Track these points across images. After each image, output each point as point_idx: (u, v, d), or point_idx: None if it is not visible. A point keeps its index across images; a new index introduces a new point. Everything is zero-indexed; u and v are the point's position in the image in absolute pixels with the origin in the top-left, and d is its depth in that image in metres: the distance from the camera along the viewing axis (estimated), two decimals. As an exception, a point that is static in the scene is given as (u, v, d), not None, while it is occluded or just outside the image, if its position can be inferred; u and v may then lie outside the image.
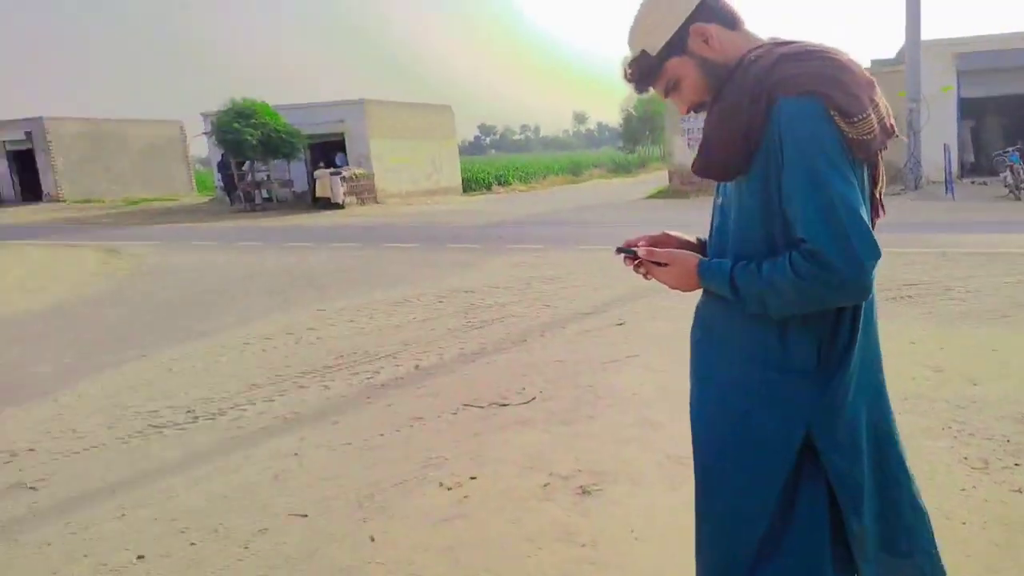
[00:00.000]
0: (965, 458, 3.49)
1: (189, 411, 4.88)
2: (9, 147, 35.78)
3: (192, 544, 3.15)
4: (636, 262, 1.69)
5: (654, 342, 5.83)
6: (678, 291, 1.70)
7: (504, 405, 4.65)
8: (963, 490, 3.19)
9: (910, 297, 6.88)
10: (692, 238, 1.80)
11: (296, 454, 4.05)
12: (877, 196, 1.65)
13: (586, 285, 8.51)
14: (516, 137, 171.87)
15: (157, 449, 4.28)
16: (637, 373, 5.13)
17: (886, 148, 1.55)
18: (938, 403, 4.19)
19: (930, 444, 3.65)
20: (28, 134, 34.86)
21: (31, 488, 3.84)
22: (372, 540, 3.08)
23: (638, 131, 61.72)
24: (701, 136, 1.63)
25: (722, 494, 1.66)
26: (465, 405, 4.67)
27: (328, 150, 25.55)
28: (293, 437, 4.31)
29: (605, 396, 4.70)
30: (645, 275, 1.71)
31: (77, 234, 19.04)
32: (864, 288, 1.45)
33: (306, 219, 20.59)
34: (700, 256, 1.64)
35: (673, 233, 1.79)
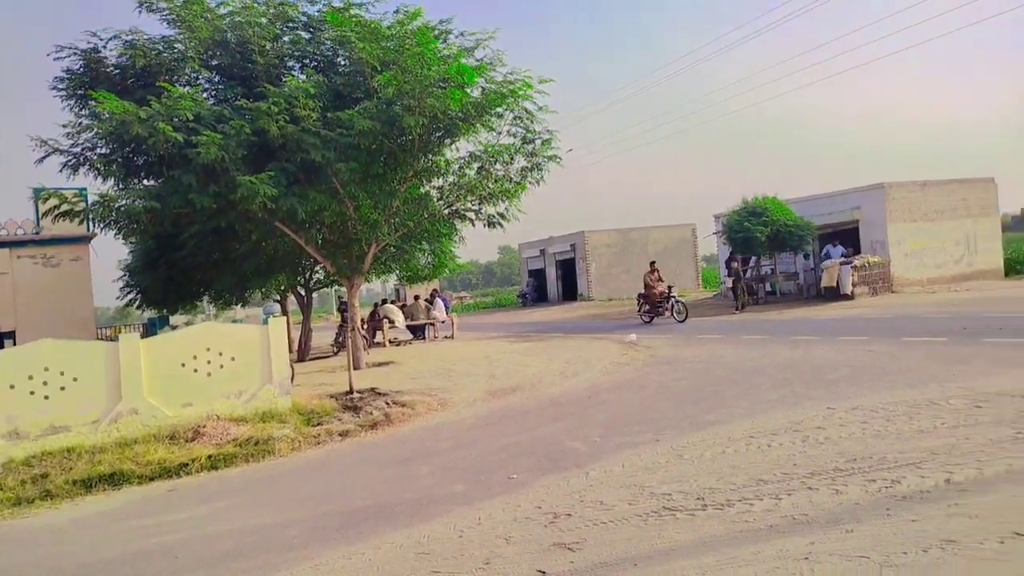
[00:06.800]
0: None
1: (699, 498, 5.08)
2: (558, 257, 44.12)
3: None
4: None
5: None
6: None
7: (1079, 543, 3.66)
8: None
9: None
10: None
11: (806, 559, 3.85)
12: None
13: None
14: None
15: (671, 531, 4.55)
16: None
17: None
18: None
19: None
20: (572, 246, 42.37)
21: (569, 548, 4.46)
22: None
23: None
24: None
25: None
26: (1017, 534, 3.83)
27: (838, 239, 24.45)
28: (803, 540, 4.11)
29: None
30: None
31: (602, 329, 21.97)
32: None
33: (811, 311, 19.91)
34: None
35: None
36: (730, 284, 22.03)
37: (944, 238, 24.58)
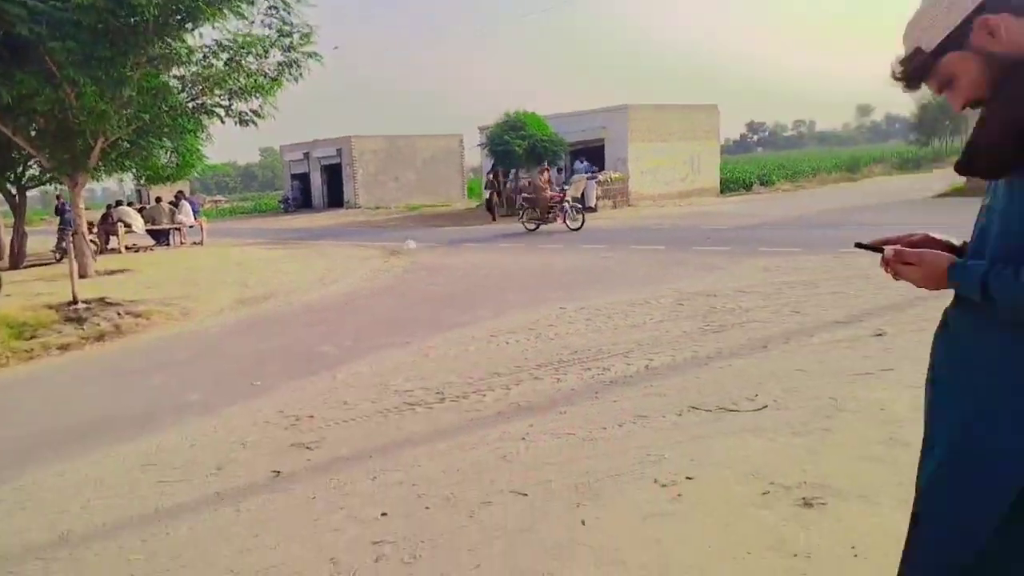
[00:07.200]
0: None
1: (438, 393, 5.39)
2: (323, 162, 42.31)
3: (427, 508, 3.51)
4: (884, 260, 1.64)
5: (917, 356, 5.19)
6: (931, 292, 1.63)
7: (733, 411, 4.48)
8: None
9: None
10: (959, 242, 1.67)
11: (524, 438, 4.30)
12: None
13: (844, 292, 7.82)
14: (788, 134, 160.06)
15: (409, 423, 4.80)
16: (890, 388, 4.63)
17: None
18: None
19: None
20: (338, 151, 40.77)
21: (307, 447, 4.53)
22: (583, 524, 3.19)
23: (936, 122, 53.86)
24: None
25: (948, 504, 1.58)
26: (691, 408, 4.59)
27: (587, 156, 26.24)
28: (523, 423, 4.57)
29: (848, 410, 4.32)
30: (894, 275, 1.64)
31: (367, 235, 21.78)
32: None
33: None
34: (955, 258, 1.55)
35: (938, 236, 1.69)
36: (487, 195, 22.83)
37: (675, 158, 27.45)
